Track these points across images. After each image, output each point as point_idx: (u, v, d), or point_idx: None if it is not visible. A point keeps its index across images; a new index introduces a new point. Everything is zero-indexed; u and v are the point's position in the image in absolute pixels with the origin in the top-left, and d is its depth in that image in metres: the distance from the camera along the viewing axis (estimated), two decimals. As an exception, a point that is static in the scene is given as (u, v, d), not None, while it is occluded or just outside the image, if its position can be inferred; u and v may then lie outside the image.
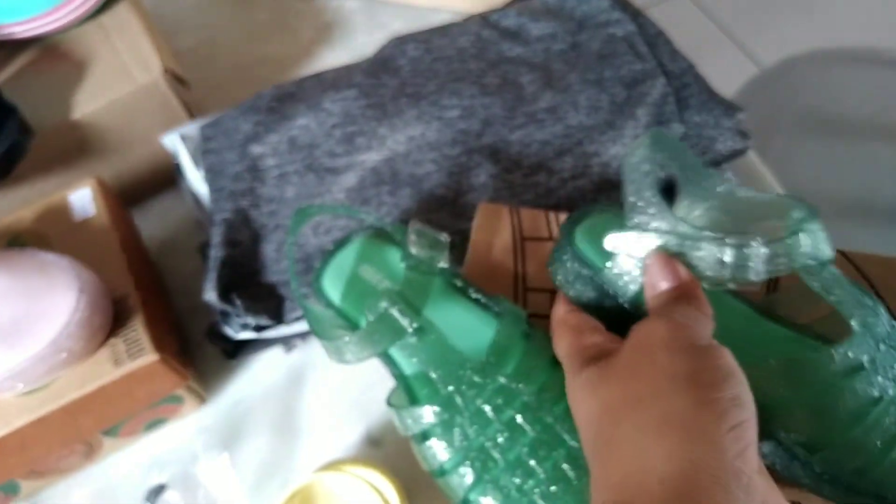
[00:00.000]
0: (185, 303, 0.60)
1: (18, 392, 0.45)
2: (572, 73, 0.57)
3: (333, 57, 0.73)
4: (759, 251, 0.32)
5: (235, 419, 0.55)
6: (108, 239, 0.51)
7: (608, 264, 0.37)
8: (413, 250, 0.41)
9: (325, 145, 0.55)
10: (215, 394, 0.56)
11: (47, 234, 0.52)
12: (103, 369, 0.46)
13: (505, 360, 0.39)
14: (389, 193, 0.53)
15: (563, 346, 0.37)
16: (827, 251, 0.33)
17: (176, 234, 0.64)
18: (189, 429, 0.55)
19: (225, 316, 0.51)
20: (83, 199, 0.53)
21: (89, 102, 0.56)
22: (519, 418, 0.37)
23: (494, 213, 0.48)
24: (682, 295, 0.34)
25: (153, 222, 0.64)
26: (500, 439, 0.37)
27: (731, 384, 0.31)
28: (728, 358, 0.32)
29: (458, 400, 0.38)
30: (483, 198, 0.53)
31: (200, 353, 0.58)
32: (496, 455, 0.37)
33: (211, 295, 0.50)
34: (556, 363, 0.38)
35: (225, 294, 0.51)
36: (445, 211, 0.52)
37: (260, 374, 0.56)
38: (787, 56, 1.28)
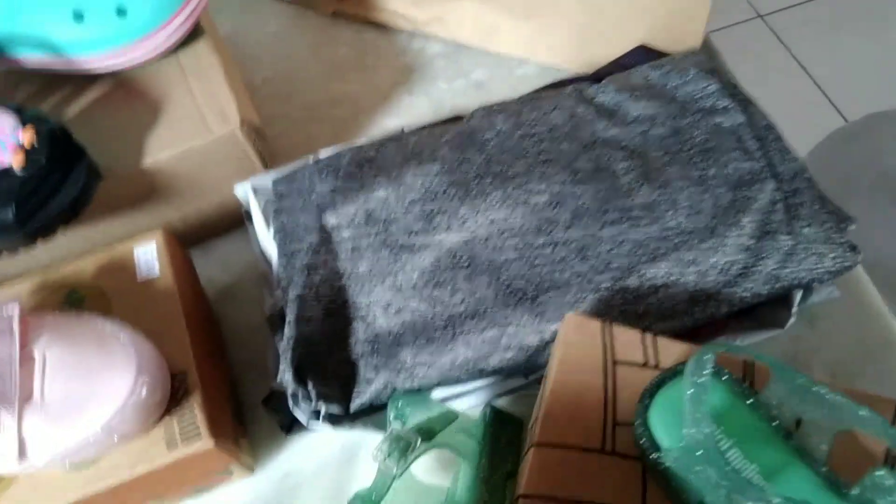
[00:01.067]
0: (242, 355, 0.58)
1: (63, 468, 0.44)
2: (672, 167, 0.53)
3: (411, 102, 0.70)
4: None
5: (284, 493, 0.53)
6: (172, 306, 0.49)
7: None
8: None
9: (402, 221, 0.52)
10: (265, 462, 0.54)
11: (107, 292, 0.50)
12: (155, 451, 0.44)
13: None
14: (465, 279, 0.50)
15: None
16: None
17: (238, 281, 0.62)
18: (235, 498, 0.53)
19: (294, 398, 0.49)
20: (148, 255, 0.51)
21: (162, 149, 0.54)
22: None
23: (584, 328, 0.45)
24: None
25: (214, 266, 0.62)
26: None
27: None
28: None
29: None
30: (565, 298, 0.49)
31: (252, 415, 0.56)
32: None
33: (287, 376, 0.48)
34: None
35: (297, 375, 0.48)
36: (523, 308, 0.49)
37: (313, 446, 0.54)
38: (872, 112, 1.21)
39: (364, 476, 0.53)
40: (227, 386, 0.53)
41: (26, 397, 0.42)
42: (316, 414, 0.50)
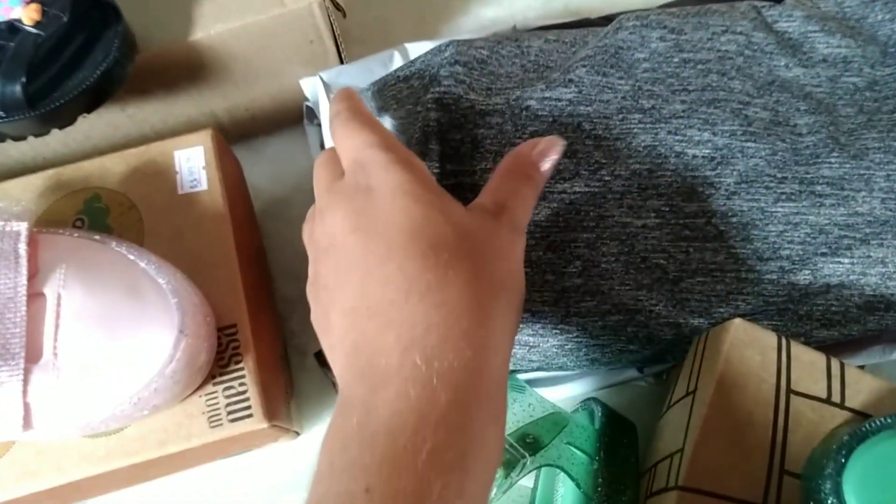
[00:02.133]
0: (289, 289, 0.48)
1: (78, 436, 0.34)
2: (869, 131, 0.41)
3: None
4: None
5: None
6: (221, 234, 0.38)
7: None
8: None
9: None
10: (311, 423, 0.45)
11: (138, 205, 0.39)
12: (194, 428, 0.35)
13: None
14: (588, 245, 0.39)
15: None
16: None
17: (289, 194, 0.50)
18: (275, 463, 0.44)
19: None
20: (193, 161, 0.40)
21: (218, 20, 0.42)
22: None
23: (754, 340, 0.35)
24: None
25: (262, 172, 0.50)
26: None
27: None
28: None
29: None
30: (716, 287, 0.39)
31: (297, 363, 0.46)
32: None
33: None
34: None
35: None
36: (661, 292, 0.39)
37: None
38: None
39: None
40: (279, 337, 0.43)
41: (35, 352, 0.32)
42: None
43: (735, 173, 0.40)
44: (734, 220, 0.40)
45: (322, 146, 0.47)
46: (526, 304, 0.32)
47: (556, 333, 0.39)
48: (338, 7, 0.44)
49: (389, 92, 0.43)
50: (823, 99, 0.43)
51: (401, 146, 0.30)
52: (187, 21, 0.42)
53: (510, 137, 0.40)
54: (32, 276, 0.33)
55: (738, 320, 0.35)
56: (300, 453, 0.44)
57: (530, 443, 0.36)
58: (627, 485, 0.37)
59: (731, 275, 0.39)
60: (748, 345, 0.35)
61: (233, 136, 0.50)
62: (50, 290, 0.32)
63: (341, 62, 0.47)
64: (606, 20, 0.48)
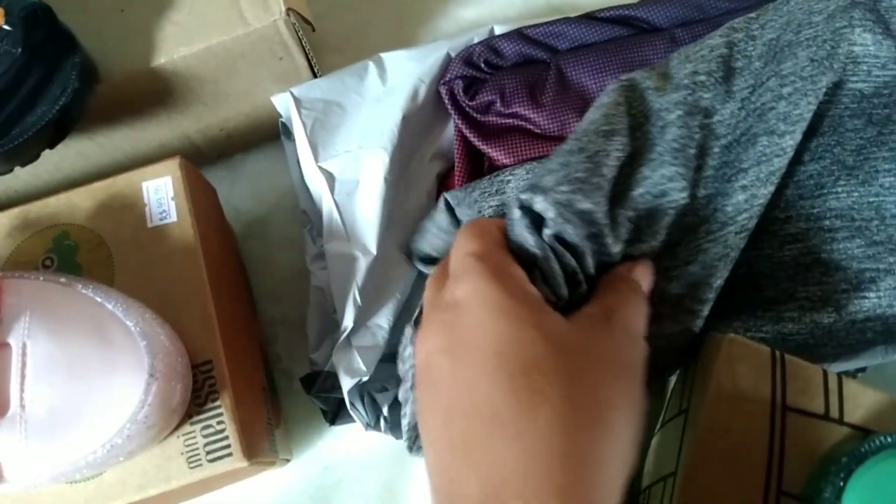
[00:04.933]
0: (273, 310, 0.47)
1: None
2: (880, 148, 0.37)
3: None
4: None
5: (323, 489, 0.44)
6: (193, 267, 0.37)
7: None
8: None
9: None
10: (302, 449, 0.44)
11: (107, 241, 0.38)
12: (173, 470, 0.34)
13: None
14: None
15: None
16: None
17: (270, 213, 0.49)
18: (265, 491, 0.44)
19: (356, 402, 0.38)
20: (161, 192, 0.39)
21: (181, 44, 0.40)
22: None
23: (746, 356, 0.33)
24: None
25: (241, 191, 0.49)
26: None
27: None
28: None
29: None
30: (734, 325, 0.36)
31: (284, 387, 0.46)
32: None
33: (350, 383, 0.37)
34: None
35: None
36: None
37: (358, 436, 0.44)
38: None
39: (419, 477, 0.43)
40: (260, 365, 0.43)
41: (1, 404, 0.31)
42: (375, 418, 0.39)
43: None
44: (741, 271, 0.36)
45: (298, 163, 0.46)
46: None
47: None
48: (306, 21, 0.42)
49: None
50: (826, 111, 0.38)
51: (501, 254, 0.28)
52: (149, 46, 0.40)
53: None
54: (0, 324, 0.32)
55: (730, 335, 0.34)
56: (289, 478, 0.43)
57: None
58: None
59: (745, 314, 0.37)
60: (741, 360, 0.33)
61: (209, 156, 0.49)
62: (14, 340, 0.32)
63: (315, 75, 0.46)
64: (588, 18, 0.47)
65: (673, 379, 0.39)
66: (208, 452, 0.34)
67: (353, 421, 0.42)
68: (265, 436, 0.38)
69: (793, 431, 0.32)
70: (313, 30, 0.44)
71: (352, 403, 0.40)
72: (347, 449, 0.44)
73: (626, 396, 0.26)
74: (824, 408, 0.33)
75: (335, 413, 0.42)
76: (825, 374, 0.33)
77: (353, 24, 0.54)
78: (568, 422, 0.23)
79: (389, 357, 0.41)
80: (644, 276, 0.31)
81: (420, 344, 0.27)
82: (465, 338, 0.25)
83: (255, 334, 0.44)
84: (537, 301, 0.26)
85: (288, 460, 0.43)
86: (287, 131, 0.47)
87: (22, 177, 0.42)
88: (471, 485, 0.22)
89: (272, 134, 0.48)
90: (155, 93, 0.42)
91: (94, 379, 0.31)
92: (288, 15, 0.41)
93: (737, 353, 0.33)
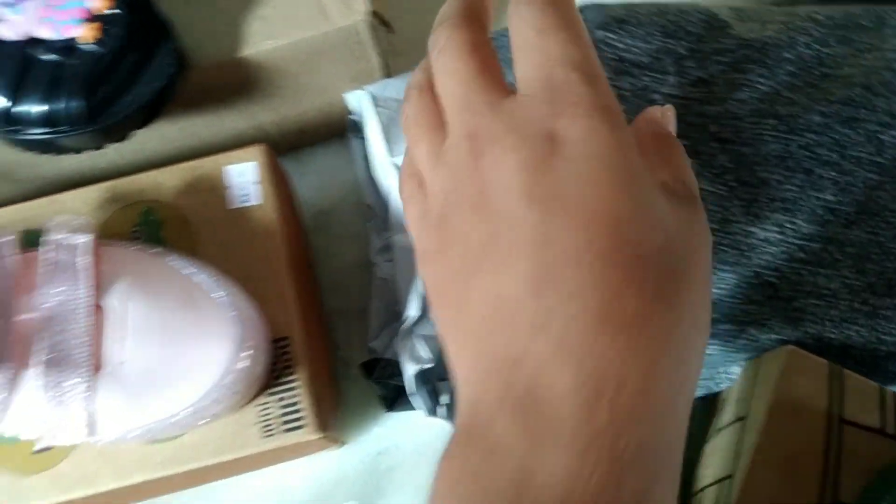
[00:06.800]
0: (334, 301, 0.49)
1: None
2: None
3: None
4: None
5: (375, 475, 0.45)
6: (273, 249, 0.39)
7: None
8: None
9: None
10: (356, 434, 0.46)
11: (190, 220, 0.40)
12: (248, 436, 0.36)
13: None
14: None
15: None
16: None
17: (335, 207, 0.51)
18: (322, 470, 0.45)
19: (422, 382, 0.40)
20: (245, 176, 0.41)
21: (266, 37, 0.42)
22: None
23: (805, 368, 0.34)
24: None
25: (309, 184, 0.51)
26: None
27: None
28: None
29: None
30: (831, 313, 0.37)
31: (343, 373, 0.47)
32: None
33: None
34: None
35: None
36: (773, 308, 0.37)
37: (413, 424, 0.45)
38: None
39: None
40: (328, 349, 0.44)
41: (100, 361, 0.32)
42: (435, 405, 0.41)
43: (856, 203, 0.38)
44: (850, 250, 0.38)
45: (365, 159, 0.48)
46: None
47: None
48: (384, 23, 0.45)
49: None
50: None
51: (605, 80, 0.21)
52: (236, 38, 0.42)
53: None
54: (96, 288, 0.33)
55: (790, 347, 0.35)
56: (343, 460, 0.45)
57: None
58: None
59: (844, 303, 0.37)
60: (800, 372, 0.34)
61: (281, 148, 0.50)
62: (112, 302, 0.33)
63: (388, 76, 0.48)
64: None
65: (727, 389, 0.40)
66: (283, 423, 0.36)
67: (410, 409, 0.43)
68: (333, 412, 0.40)
69: (849, 443, 0.33)
70: (392, 32, 0.46)
71: (414, 389, 0.41)
72: (402, 438, 0.45)
73: (708, 310, 0.22)
74: (881, 422, 0.34)
75: (393, 400, 0.44)
76: (882, 390, 0.34)
77: (420, 29, 0.56)
78: (684, 341, 0.20)
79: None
80: (671, 121, 0.28)
81: (467, 160, 0.21)
82: (570, 195, 0.20)
83: (325, 327, 0.46)
84: (644, 165, 0.21)
85: (344, 443, 0.44)
86: (355, 128, 0.49)
87: (109, 154, 0.44)
88: (565, 375, 0.19)
89: (340, 131, 0.50)
90: (238, 83, 0.44)
91: (185, 343, 0.33)
92: (371, 16, 0.43)
93: (796, 364, 0.35)
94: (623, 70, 0.39)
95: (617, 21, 0.40)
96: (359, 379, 0.45)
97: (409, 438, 0.45)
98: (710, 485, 0.36)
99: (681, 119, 0.38)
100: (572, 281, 0.19)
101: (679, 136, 0.38)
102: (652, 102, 0.39)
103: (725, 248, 0.37)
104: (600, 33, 0.39)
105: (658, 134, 0.26)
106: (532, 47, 0.21)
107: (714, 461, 0.37)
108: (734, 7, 0.44)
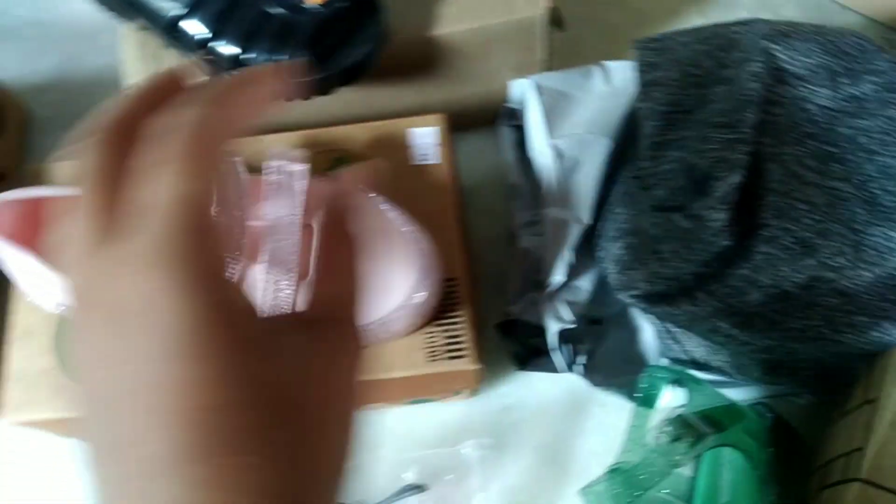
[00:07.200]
0: (476, 271, 0.53)
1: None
2: None
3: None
4: None
5: (501, 426, 0.49)
6: (446, 202, 0.44)
7: None
8: None
9: None
10: (487, 386, 0.50)
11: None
12: (414, 360, 0.40)
13: None
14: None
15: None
16: None
17: (478, 185, 0.56)
18: (452, 417, 0.49)
19: (565, 340, 0.44)
20: (427, 138, 0.46)
21: (456, 20, 0.48)
22: None
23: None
24: None
25: (462, 161, 0.56)
26: None
27: None
28: None
29: None
30: None
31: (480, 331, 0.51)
32: None
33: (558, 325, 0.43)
34: None
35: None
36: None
37: (537, 384, 0.49)
38: None
39: (591, 432, 0.48)
40: (480, 299, 0.48)
41: (305, 270, 0.37)
42: (571, 362, 0.45)
43: None
44: None
45: (516, 145, 0.53)
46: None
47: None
48: (559, 20, 0.49)
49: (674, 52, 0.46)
50: None
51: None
52: (429, 18, 0.48)
53: (783, 132, 0.43)
54: (306, 209, 0.39)
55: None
56: (474, 409, 0.49)
57: (714, 423, 0.40)
58: (792, 480, 0.40)
59: None
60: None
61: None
62: (318, 222, 0.38)
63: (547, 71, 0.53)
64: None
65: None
66: (447, 351, 0.40)
67: (539, 369, 0.47)
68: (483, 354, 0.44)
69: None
70: (564, 30, 0.50)
71: (556, 345, 0.45)
72: (528, 397, 0.49)
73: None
74: None
75: (525, 358, 0.48)
76: None
77: (570, 35, 0.61)
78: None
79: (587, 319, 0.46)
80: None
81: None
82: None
83: (478, 284, 0.50)
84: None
85: (477, 393, 0.48)
86: (509, 115, 0.54)
87: (303, 108, 0.50)
88: None
89: (488, 121, 0.55)
90: (422, 60, 0.49)
91: (379, 263, 0.38)
92: (550, 10, 0.48)
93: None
94: (782, 79, 0.44)
95: (782, 34, 0.44)
96: (489, 340, 0.50)
97: (533, 397, 0.49)
98: (839, 457, 0.39)
99: (833, 130, 0.43)
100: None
101: (829, 143, 0.42)
102: (806, 112, 0.43)
103: (866, 249, 0.41)
104: (764, 43, 0.44)
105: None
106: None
107: (840, 439, 0.40)
108: (885, 37, 0.48)
